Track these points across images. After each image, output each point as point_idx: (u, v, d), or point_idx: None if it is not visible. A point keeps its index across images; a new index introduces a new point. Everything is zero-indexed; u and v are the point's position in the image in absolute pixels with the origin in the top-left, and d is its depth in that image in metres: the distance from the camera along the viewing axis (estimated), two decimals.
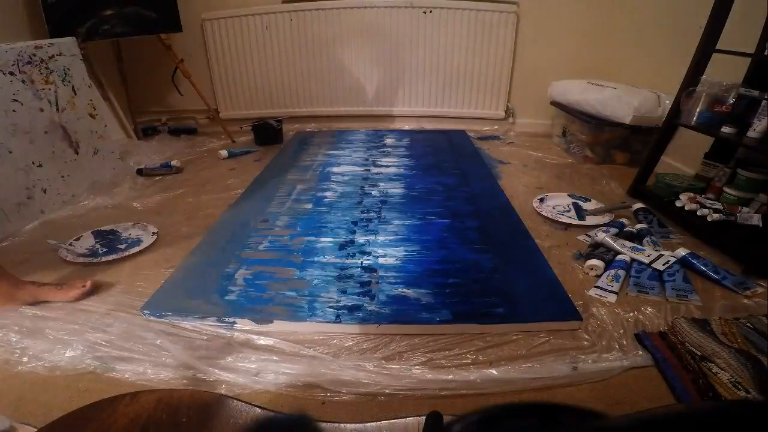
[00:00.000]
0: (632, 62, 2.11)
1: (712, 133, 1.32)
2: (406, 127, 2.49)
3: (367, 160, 1.93)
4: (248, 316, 0.94)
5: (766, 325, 0.89)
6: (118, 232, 1.33)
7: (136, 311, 0.98)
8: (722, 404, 0.46)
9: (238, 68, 2.41)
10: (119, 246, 1.25)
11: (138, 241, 1.27)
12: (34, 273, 1.11)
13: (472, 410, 0.27)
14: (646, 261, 1.11)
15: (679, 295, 1.01)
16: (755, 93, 1.20)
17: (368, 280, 1.06)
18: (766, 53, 1.21)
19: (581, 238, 1.29)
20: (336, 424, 0.69)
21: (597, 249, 1.18)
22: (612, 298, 1.01)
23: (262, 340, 0.90)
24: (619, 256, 1.14)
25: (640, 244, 1.21)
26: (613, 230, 1.27)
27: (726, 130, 1.25)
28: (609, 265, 1.11)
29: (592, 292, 1.03)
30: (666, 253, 1.14)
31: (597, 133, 1.92)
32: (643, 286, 1.04)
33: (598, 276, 1.09)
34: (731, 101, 1.26)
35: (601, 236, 1.21)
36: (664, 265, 1.09)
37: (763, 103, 1.15)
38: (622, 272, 1.07)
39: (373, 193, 1.58)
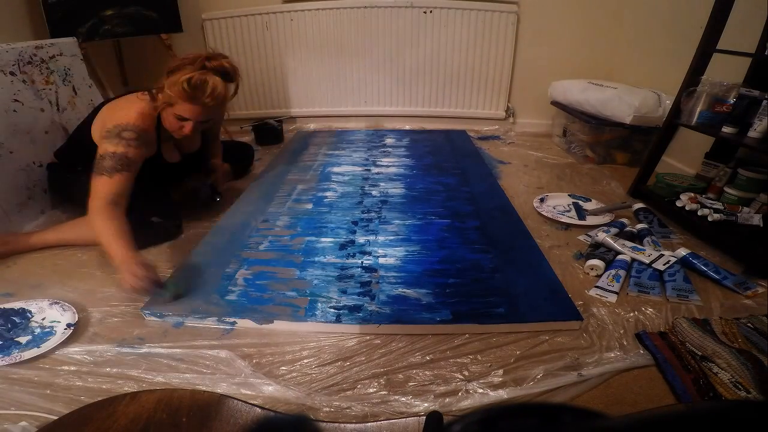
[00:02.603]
0: (632, 62, 2.10)
1: (712, 133, 1.32)
2: (407, 127, 2.49)
3: (367, 160, 1.93)
4: (249, 316, 0.94)
5: (766, 325, 0.89)
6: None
7: None
8: (723, 404, 0.46)
9: (239, 68, 2.40)
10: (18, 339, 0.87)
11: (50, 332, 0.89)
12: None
13: (473, 410, 0.27)
14: (647, 261, 1.11)
15: (679, 295, 1.01)
16: (756, 93, 1.20)
17: (369, 280, 1.06)
18: (766, 53, 1.21)
19: (582, 238, 1.29)
20: (336, 424, 0.69)
21: (597, 249, 1.18)
22: (612, 298, 1.01)
23: None
24: (620, 256, 1.14)
25: (641, 244, 1.21)
26: (614, 230, 1.28)
27: (726, 130, 1.24)
28: (609, 265, 1.11)
29: (593, 292, 1.03)
30: (666, 253, 1.14)
31: (597, 133, 1.91)
32: (643, 286, 1.04)
33: (599, 276, 1.09)
34: (732, 101, 1.26)
35: (602, 236, 1.21)
36: (664, 265, 1.09)
37: (764, 103, 1.15)
38: (622, 272, 1.07)
39: (374, 193, 1.58)
